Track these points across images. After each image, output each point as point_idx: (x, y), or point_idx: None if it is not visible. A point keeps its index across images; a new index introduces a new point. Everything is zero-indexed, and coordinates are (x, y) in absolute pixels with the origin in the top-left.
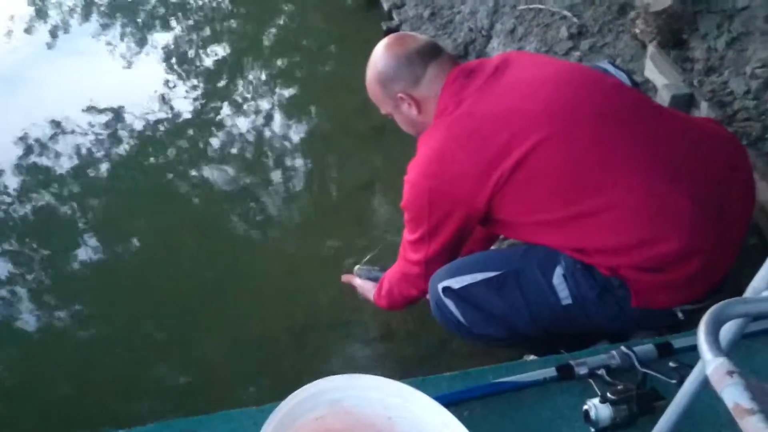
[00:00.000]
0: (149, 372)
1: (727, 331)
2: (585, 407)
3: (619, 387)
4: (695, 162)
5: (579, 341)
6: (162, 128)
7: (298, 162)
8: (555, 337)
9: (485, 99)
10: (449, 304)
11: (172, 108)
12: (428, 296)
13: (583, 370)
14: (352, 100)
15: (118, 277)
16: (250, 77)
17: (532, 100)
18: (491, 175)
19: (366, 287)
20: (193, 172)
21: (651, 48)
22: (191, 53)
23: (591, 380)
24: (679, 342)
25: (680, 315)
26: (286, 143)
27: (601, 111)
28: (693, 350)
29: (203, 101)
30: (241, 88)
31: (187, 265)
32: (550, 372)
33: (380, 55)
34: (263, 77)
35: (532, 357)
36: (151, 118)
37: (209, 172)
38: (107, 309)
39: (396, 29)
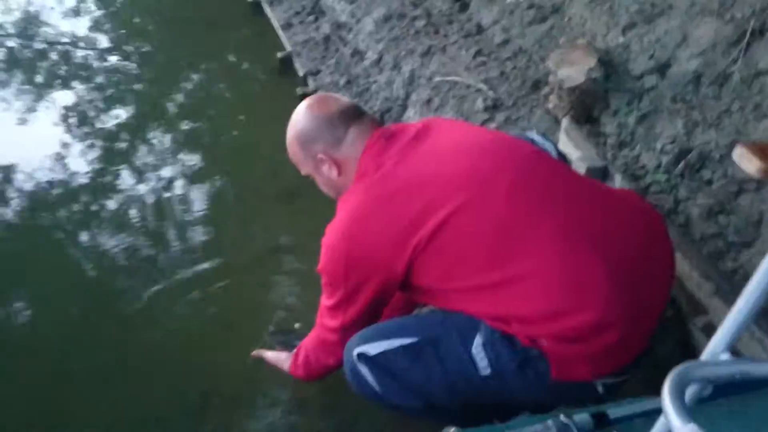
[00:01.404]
0: None
1: (688, 397)
2: None
3: None
4: (613, 232)
5: (497, 414)
6: (55, 190)
7: (201, 228)
8: (473, 409)
9: (405, 163)
10: (364, 371)
11: (67, 169)
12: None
13: None
14: (261, 164)
15: None
16: (154, 141)
17: (450, 166)
18: (409, 241)
19: (280, 357)
20: (85, 237)
21: (565, 122)
22: (92, 114)
23: None
24: (614, 412)
25: (600, 389)
26: (189, 208)
27: (517, 179)
28: (630, 419)
29: (102, 164)
30: (143, 152)
31: (70, 338)
32: None
33: (301, 115)
34: (167, 142)
35: (453, 429)
36: (44, 178)
37: (103, 239)
38: None
39: (311, 95)
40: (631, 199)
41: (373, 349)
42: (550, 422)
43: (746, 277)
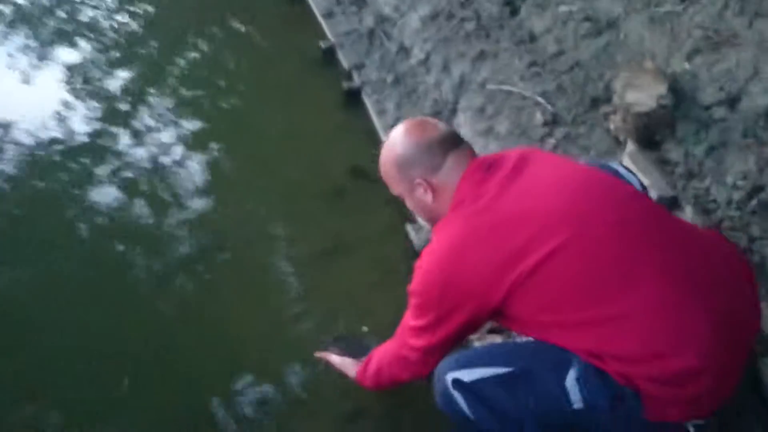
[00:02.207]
0: None
1: None
2: None
3: None
4: (708, 276)
5: None
6: (56, 147)
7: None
8: None
9: (506, 196)
10: (458, 397)
11: (73, 127)
12: (434, 386)
13: None
14: (306, 161)
15: None
16: (186, 126)
17: (553, 202)
18: (508, 274)
19: (345, 363)
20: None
21: (630, 146)
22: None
23: None
24: None
25: (692, 430)
26: (241, 201)
27: (620, 218)
28: None
29: (113, 126)
30: (171, 138)
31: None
32: None
33: (400, 138)
34: (204, 122)
35: None
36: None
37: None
38: None
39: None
40: (720, 241)
41: (467, 376)
42: None
43: None
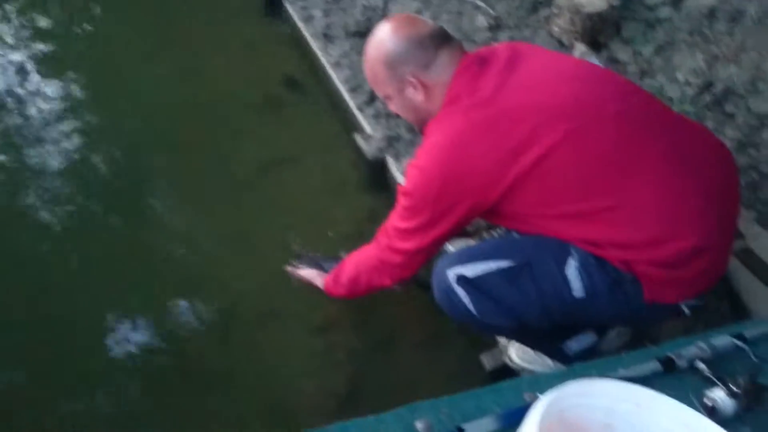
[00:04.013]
0: None
1: None
2: (709, 400)
3: (739, 380)
4: (703, 163)
5: (565, 331)
6: None
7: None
8: (555, 328)
9: (505, 89)
10: (460, 292)
11: None
12: (433, 284)
13: (683, 364)
14: (233, 71)
15: None
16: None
17: (553, 94)
18: (511, 168)
19: (312, 275)
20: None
21: (580, 47)
22: None
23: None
24: (750, 332)
25: (686, 310)
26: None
27: (619, 108)
28: (766, 339)
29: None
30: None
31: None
32: (655, 366)
33: (388, 34)
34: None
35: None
36: None
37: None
38: None
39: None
40: (703, 129)
41: (470, 271)
42: (702, 344)
43: None
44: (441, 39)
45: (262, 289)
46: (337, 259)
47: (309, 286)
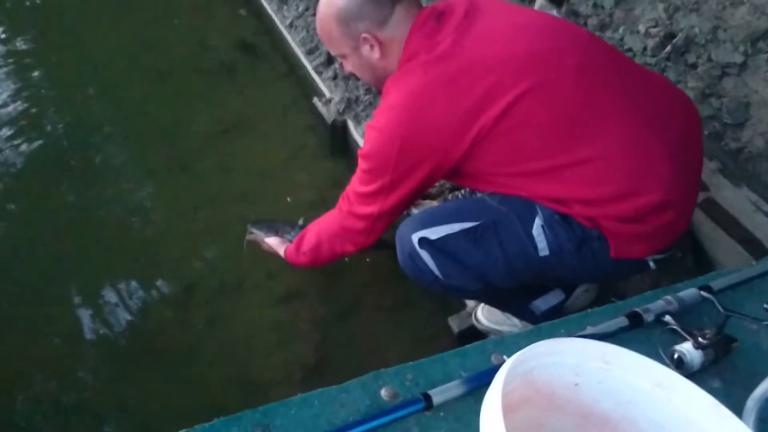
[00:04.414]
0: None
1: None
2: (676, 354)
3: (706, 332)
4: (665, 115)
5: (532, 291)
6: None
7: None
8: (522, 288)
9: (463, 44)
10: (425, 256)
11: None
12: (398, 248)
13: (650, 318)
14: (183, 36)
15: None
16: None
17: (513, 47)
18: (473, 124)
19: (274, 243)
20: None
21: (540, 2)
22: None
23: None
24: (716, 283)
25: (652, 264)
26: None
27: (580, 62)
28: (732, 289)
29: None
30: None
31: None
32: (622, 321)
33: None
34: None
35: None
36: None
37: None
38: None
39: None
40: (664, 79)
41: (433, 233)
42: (669, 297)
43: (752, 156)
44: None
45: (222, 260)
46: (294, 225)
47: (271, 255)
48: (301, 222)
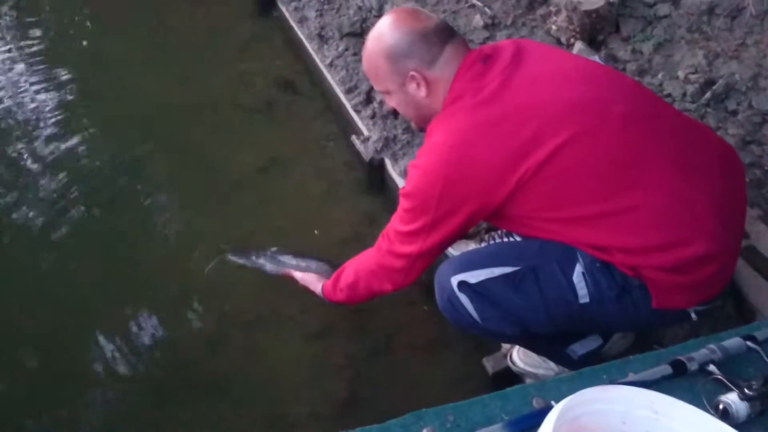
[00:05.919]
0: None
1: None
2: (722, 404)
3: (752, 383)
4: (710, 165)
5: (570, 335)
6: None
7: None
8: (560, 334)
9: (509, 88)
10: (464, 299)
11: None
12: (436, 291)
13: (693, 366)
14: (224, 72)
15: None
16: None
17: (559, 93)
18: (517, 168)
19: (309, 279)
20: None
21: (579, 45)
22: None
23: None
24: (761, 333)
25: (694, 316)
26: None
27: (626, 110)
28: None
29: None
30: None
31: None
32: (665, 370)
33: (391, 27)
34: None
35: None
36: None
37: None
38: None
39: None
40: (708, 129)
41: (473, 277)
42: (713, 346)
43: None
44: (446, 34)
45: (257, 294)
46: (266, 251)
47: (306, 291)
48: (274, 249)
